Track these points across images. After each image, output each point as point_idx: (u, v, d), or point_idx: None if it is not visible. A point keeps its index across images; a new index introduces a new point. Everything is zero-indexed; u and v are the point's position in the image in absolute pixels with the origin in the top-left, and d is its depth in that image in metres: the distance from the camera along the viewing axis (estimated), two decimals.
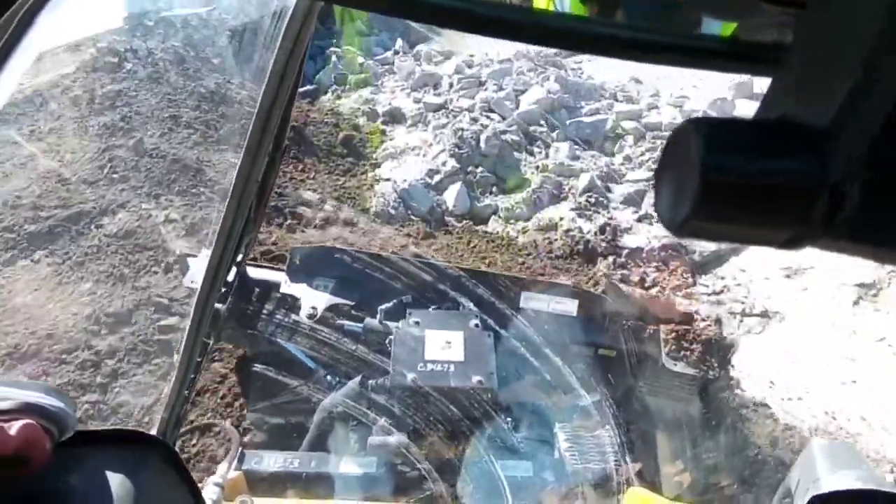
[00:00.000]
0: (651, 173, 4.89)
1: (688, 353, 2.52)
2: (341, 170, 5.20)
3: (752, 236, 0.26)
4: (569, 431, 2.12)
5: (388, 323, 2.34)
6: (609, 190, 5.21)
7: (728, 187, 0.23)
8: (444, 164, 5.14)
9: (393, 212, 4.61)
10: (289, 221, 4.21)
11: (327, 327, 2.42)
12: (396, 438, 1.95)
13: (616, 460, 2.03)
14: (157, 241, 3.71)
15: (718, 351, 2.62)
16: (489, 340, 2.21)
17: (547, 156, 5.62)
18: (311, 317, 2.43)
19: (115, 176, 4.35)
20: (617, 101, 6.66)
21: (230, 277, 1.00)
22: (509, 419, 2.10)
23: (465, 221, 4.62)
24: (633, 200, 5.07)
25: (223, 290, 1.02)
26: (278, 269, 2.61)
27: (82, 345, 2.90)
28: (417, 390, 2.01)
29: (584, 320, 2.51)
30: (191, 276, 2.45)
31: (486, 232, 4.53)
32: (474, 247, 4.16)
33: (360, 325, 2.39)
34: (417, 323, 2.25)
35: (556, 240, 4.35)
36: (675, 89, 6.82)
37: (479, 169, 5.27)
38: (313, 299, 2.47)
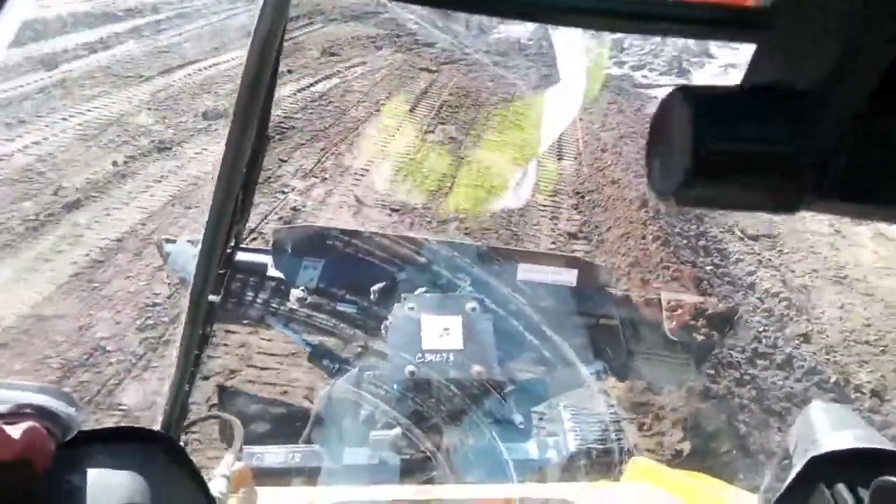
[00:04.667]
0: None
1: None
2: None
3: (745, 202, 0.26)
4: (572, 406, 2.04)
5: (382, 305, 2.26)
6: None
7: (720, 155, 0.23)
8: None
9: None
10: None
11: (320, 312, 2.34)
12: (398, 431, 1.86)
13: (618, 431, 1.95)
14: None
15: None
16: (488, 325, 2.09)
17: None
18: (300, 300, 2.33)
19: None
20: None
21: (221, 269, 1.00)
22: (510, 399, 1.99)
23: None
24: None
25: (216, 280, 1.01)
26: (264, 252, 2.53)
27: None
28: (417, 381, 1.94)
29: (583, 290, 2.39)
30: (172, 262, 2.39)
31: None
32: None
33: (355, 307, 2.31)
34: (413, 308, 2.11)
35: None
36: None
37: None
38: (302, 282, 2.38)
